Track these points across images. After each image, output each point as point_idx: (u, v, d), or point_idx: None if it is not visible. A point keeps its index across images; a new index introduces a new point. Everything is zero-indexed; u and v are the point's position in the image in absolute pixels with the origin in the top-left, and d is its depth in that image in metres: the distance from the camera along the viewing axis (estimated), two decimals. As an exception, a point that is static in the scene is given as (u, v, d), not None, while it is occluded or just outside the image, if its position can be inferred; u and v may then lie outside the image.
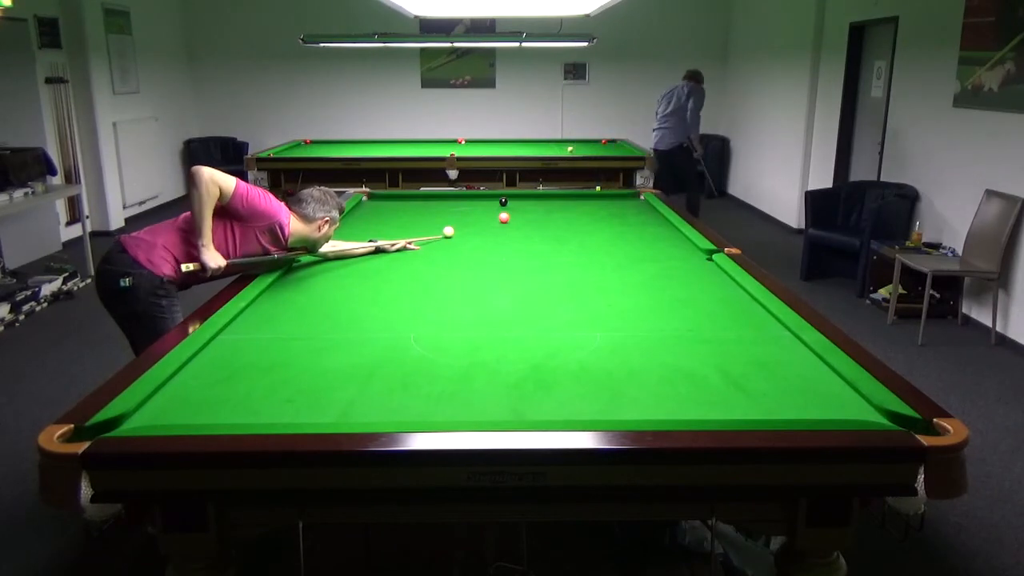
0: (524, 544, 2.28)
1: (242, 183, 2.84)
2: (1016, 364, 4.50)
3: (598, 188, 5.96)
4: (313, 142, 7.79)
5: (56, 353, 4.62)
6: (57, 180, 6.86)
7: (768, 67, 8.71)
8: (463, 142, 7.67)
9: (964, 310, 5.21)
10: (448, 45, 9.09)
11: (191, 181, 2.73)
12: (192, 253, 2.79)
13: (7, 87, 6.76)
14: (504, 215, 4.01)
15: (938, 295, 5.19)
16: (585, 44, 6.23)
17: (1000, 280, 4.75)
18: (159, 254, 2.79)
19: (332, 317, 2.47)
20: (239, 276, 2.82)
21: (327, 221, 2.99)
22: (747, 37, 9.48)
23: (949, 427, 1.59)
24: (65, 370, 4.36)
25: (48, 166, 6.13)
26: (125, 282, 2.72)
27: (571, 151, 6.89)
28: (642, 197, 4.69)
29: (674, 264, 3.12)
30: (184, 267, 2.77)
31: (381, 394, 1.84)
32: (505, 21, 8.42)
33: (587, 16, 3.56)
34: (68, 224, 7.36)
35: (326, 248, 3.10)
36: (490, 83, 10.08)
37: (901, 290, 5.19)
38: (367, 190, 4.89)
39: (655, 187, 5.47)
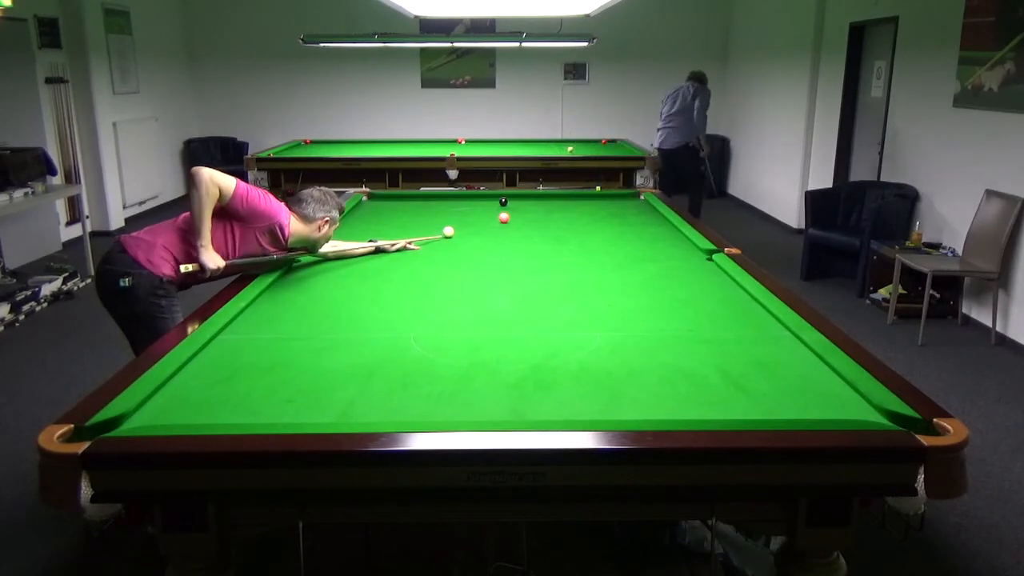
0: (524, 544, 2.28)
1: (242, 183, 2.84)
2: (1016, 364, 4.50)
3: (598, 188, 5.96)
4: (313, 142, 7.79)
5: (56, 353, 4.62)
6: (57, 180, 6.87)
7: (768, 67, 8.71)
8: (463, 142, 7.67)
9: (964, 310, 5.21)
10: (448, 45, 9.10)
11: (191, 181, 2.73)
12: (192, 253, 2.79)
13: (7, 87, 6.76)
14: (504, 215, 4.01)
15: (938, 295, 5.19)
16: (585, 44, 6.23)
17: (1000, 280, 4.75)
18: (159, 254, 2.79)
19: (332, 317, 2.47)
20: (239, 276, 2.82)
21: (327, 221, 2.99)
22: (747, 37, 9.48)
23: (949, 427, 1.59)
24: (65, 370, 4.36)
25: (48, 166, 6.13)
26: (125, 282, 2.72)
27: (571, 151, 6.89)
28: (642, 197, 4.69)
29: (674, 264, 3.12)
30: (183, 268, 2.77)
31: (381, 394, 1.84)
32: (505, 21, 8.42)
33: (587, 16, 3.56)
34: (68, 224, 7.36)
35: (326, 248, 3.10)
36: (490, 83, 10.08)
37: (901, 290, 5.19)
38: (367, 190, 4.89)
39: (658, 187, 5.46)
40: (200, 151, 9.53)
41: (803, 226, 6.46)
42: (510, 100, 10.07)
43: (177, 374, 1.94)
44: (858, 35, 6.91)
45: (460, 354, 2.09)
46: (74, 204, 7.35)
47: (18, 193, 5.53)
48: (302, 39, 6.34)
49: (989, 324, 4.85)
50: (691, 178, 7.56)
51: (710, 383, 1.90)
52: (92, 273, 5.69)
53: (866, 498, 1.65)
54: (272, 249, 2.90)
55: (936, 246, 5.39)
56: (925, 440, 1.55)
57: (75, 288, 5.77)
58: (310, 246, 3.03)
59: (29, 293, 5.35)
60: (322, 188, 3.05)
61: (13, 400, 3.99)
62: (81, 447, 1.51)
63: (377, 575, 2.44)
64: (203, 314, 2.36)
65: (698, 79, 7.51)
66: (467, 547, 2.35)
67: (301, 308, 2.55)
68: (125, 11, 8.25)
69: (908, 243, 5.40)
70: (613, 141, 7.82)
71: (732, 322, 2.40)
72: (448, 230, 3.57)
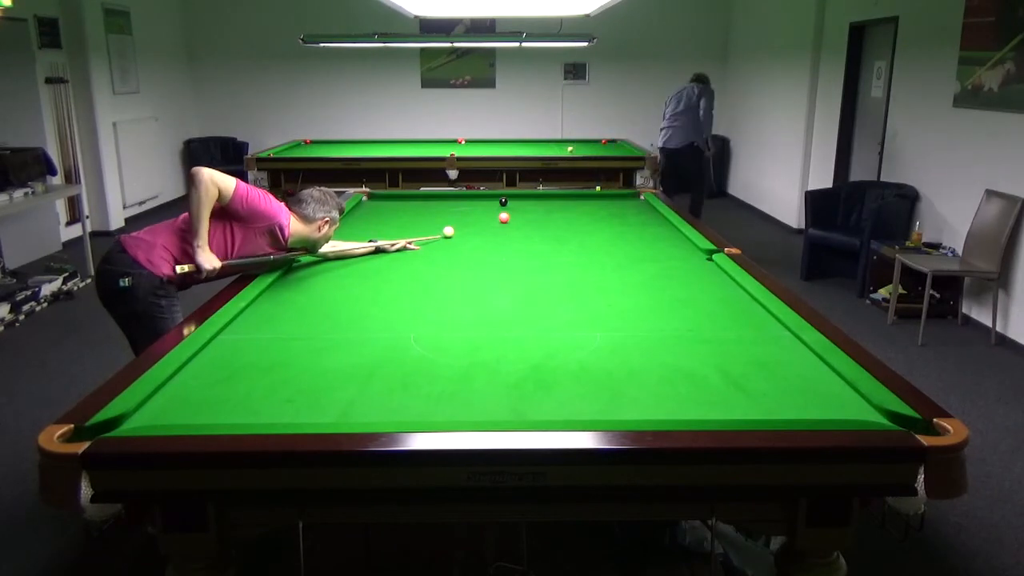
0: (524, 544, 2.29)
1: (242, 184, 2.84)
2: (1016, 364, 4.50)
3: (598, 188, 5.96)
4: (313, 142, 7.79)
5: (56, 353, 4.62)
6: (57, 180, 6.87)
7: (768, 67, 8.71)
8: (463, 142, 7.67)
9: (964, 310, 5.21)
10: (448, 45, 9.09)
11: (191, 181, 2.73)
12: (191, 253, 2.79)
13: (7, 87, 6.76)
14: (504, 215, 4.01)
15: (938, 295, 5.19)
16: (585, 44, 6.22)
17: (1000, 280, 4.75)
18: (159, 254, 2.79)
19: (332, 317, 2.47)
20: (239, 276, 2.82)
21: (327, 221, 2.99)
22: (747, 37, 9.48)
23: (949, 427, 1.59)
24: (65, 370, 4.36)
25: (48, 166, 6.13)
26: (125, 282, 2.72)
27: (571, 151, 6.88)
28: (642, 197, 4.69)
29: (674, 264, 3.12)
30: (178, 268, 2.76)
31: (381, 394, 1.84)
32: (505, 21, 8.42)
33: (587, 16, 3.56)
34: (68, 224, 7.36)
35: (326, 248, 3.10)
36: (490, 83, 10.08)
37: (901, 290, 5.19)
38: (367, 190, 4.89)
39: (660, 187, 5.46)
40: (200, 151, 9.53)
41: (803, 226, 6.46)
42: (510, 100, 10.07)
43: (177, 374, 1.94)
44: (858, 35, 6.91)
45: (460, 354, 2.09)
46: (74, 204, 7.35)
47: (18, 193, 5.53)
48: (302, 39, 6.34)
49: (989, 324, 4.85)
50: (693, 178, 7.55)
51: (710, 383, 1.90)
52: (92, 273, 5.70)
53: (866, 498, 1.65)
54: (272, 249, 2.90)
55: (936, 246, 5.39)
56: (925, 440, 1.55)
57: (75, 288, 5.77)
58: (310, 246, 3.03)
59: (29, 293, 5.35)
60: (322, 188, 3.05)
61: (13, 400, 3.99)
62: (81, 447, 1.51)
63: (377, 575, 2.44)
64: (203, 314, 2.35)
65: (702, 81, 7.50)
66: (467, 547, 2.35)
67: (301, 308, 2.55)
68: (125, 11, 8.25)
69: (908, 243, 5.40)
70: (613, 141, 7.81)
71: (732, 322, 2.40)
72: (448, 230, 3.58)
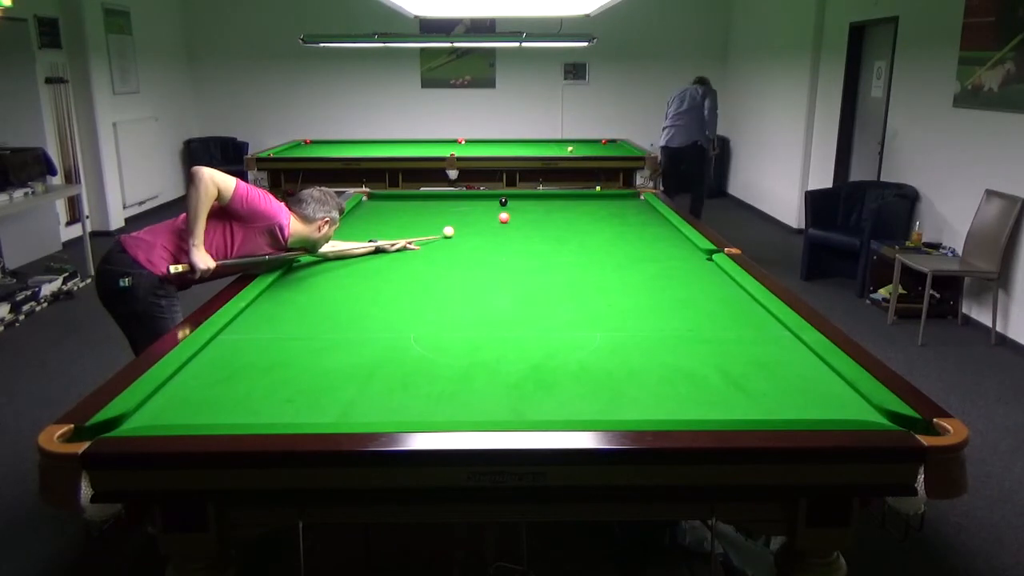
0: (524, 544, 2.29)
1: (242, 184, 2.84)
2: (1016, 364, 4.50)
3: (598, 188, 5.96)
4: (313, 142, 7.79)
5: (56, 353, 4.62)
6: (57, 180, 6.87)
7: (768, 67, 8.71)
8: (463, 142, 7.67)
9: (964, 310, 5.21)
10: (448, 45, 9.10)
11: (191, 180, 2.72)
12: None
13: (7, 87, 6.76)
14: (504, 215, 4.01)
15: (938, 295, 5.19)
16: (585, 44, 6.23)
17: (1000, 280, 4.75)
18: (159, 254, 2.79)
19: (332, 317, 2.47)
20: (239, 276, 2.81)
21: (327, 221, 2.99)
22: (747, 37, 9.48)
23: (949, 427, 1.59)
24: (65, 370, 4.36)
25: (48, 166, 6.13)
26: (125, 282, 2.72)
27: (571, 151, 6.89)
28: (642, 197, 4.69)
29: (674, 264, 3.12)
30: (172, 268, 2.74)
31: (381, 394, 1.84)
32: (505, 21, 8.42)
33: (587, 16, 3.56)
34: (68, 224, 7.36)
35: (326, 248, 3.10)
36: (490, 83, 10.08)
37: (901, 290, 5.19)
38: (367, 190, 4.89)
39: (661, 187, 5.45)
40: (200, 151, 9.53)
41: (803, 226, 6.46)
42: (510, 100, 10.07)
43: (177, 374, 1.94)
44: (858, 35, 6.91)
45: (460, 354, 2.09)
46: (74, 204, 7.35)
47: (18, 193, 5.53)
48: (302, 39, 6.34)
49: (989, 324, 4.85)
50: (695, 178, 7.55)
51: (710, 383, 1.90)
52: (92, 273, 5.70)
53: (866, 498, 1.65)
54: (272, 249, 2.89)
55: (936, 246, 5.39)
56: (925, 440, 1.55)
57: (75, 288, 5.77)
58: (310, 246, 3.03)
59: (29, 293, 5.35)
60: (322, 188, 3.05)
61: (13, 400, 3.99)
62: (81, 447, 1.51)
63: (377, 575, 2.44)
64: (203, 314, 2.35)
65: (704, 83, 7.50)
66: (467, 547, 2.35)
67: (301, 308, 2.55)
68: (125, 11, 8.25)
69: (908, 243, 5.40)
70: (613, 141, 7.81)
71: (732, 322, 2.40)
72: (448, 230, 3.58)
